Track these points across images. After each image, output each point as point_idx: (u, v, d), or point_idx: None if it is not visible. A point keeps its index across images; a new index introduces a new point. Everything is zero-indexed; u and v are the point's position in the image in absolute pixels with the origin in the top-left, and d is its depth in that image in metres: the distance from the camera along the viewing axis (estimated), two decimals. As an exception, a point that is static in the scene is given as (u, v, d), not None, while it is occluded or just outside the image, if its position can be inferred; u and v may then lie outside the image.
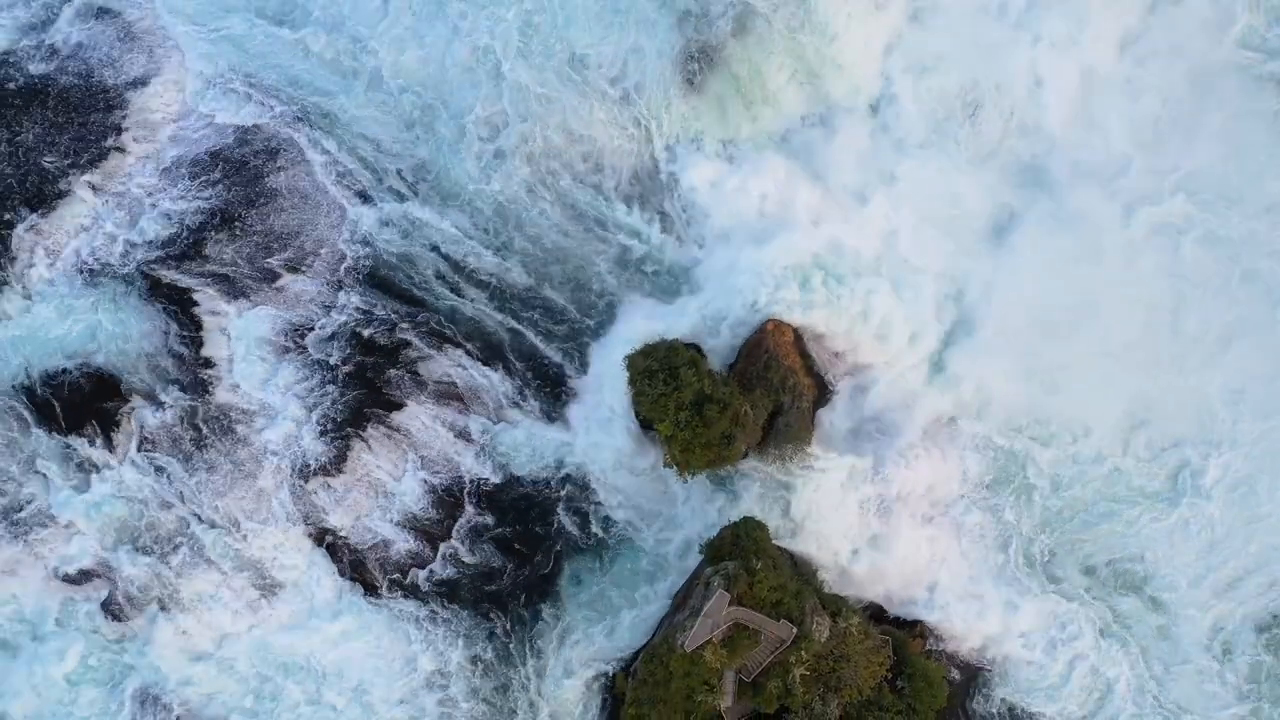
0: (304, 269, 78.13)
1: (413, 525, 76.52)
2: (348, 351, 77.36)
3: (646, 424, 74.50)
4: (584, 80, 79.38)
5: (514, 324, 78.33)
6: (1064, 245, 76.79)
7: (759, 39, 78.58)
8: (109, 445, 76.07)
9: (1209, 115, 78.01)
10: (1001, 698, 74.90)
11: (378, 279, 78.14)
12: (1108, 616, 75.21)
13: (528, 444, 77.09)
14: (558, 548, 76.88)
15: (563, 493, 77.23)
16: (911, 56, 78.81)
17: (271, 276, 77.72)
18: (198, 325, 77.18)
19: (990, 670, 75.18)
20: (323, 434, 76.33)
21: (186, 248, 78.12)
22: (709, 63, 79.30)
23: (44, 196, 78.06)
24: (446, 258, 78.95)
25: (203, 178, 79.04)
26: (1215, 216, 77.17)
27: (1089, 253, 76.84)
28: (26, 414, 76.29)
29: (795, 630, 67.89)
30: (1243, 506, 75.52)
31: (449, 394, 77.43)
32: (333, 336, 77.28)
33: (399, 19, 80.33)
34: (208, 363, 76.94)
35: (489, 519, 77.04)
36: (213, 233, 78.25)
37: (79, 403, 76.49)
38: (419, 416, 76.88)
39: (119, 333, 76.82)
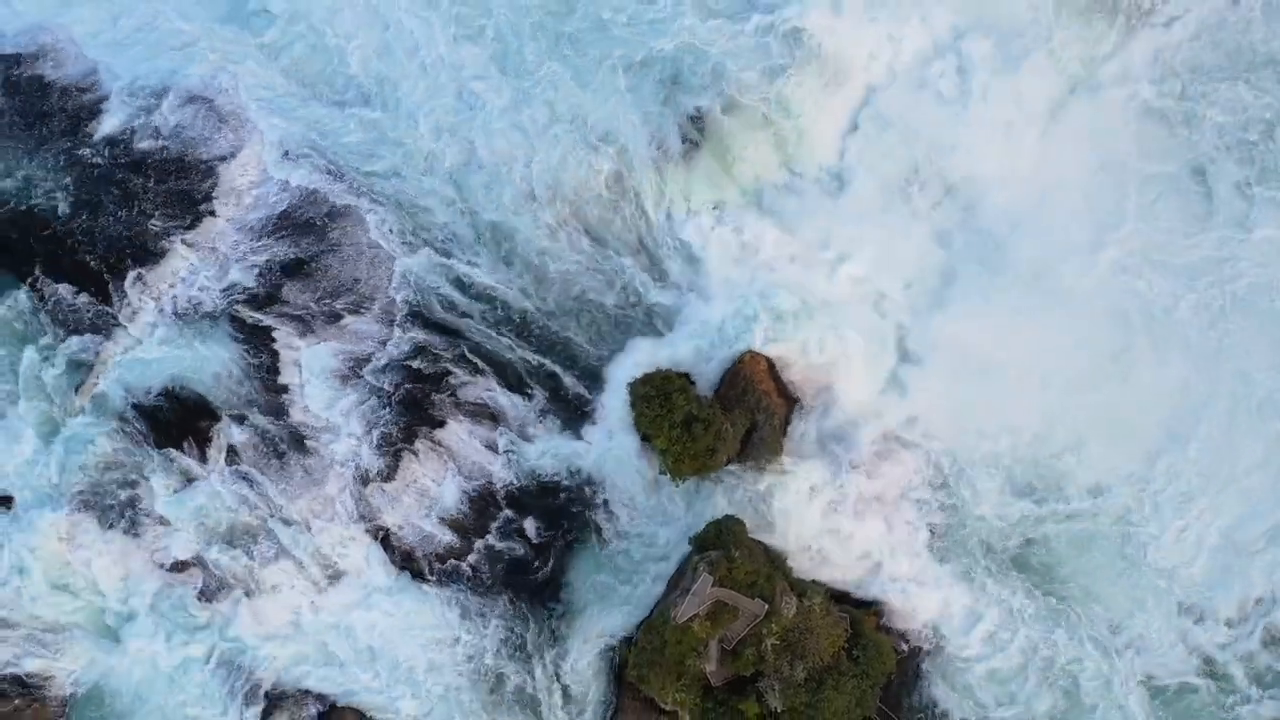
0: (362, 311, 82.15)
1: (452, 523, 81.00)
2: (399, 379, 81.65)
3: (646, 438, 79.56)
4: (596, 155, 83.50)
5: (537, 356, 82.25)
6: (1002, 293, 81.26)
7: (740, 118, 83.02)
8: (203, 457, 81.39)
9: (1135, 180, 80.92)
10: (941, 668, 78.66)
11: (424, 319, 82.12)
12: (1040, 607, 78.51)
13: (548, 455, 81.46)
14: (573, 541, 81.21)
15: (577, 495, 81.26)
16: (867, 131, 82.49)
17: (336, 317, 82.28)
18: (275, 357, 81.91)
19: (932, 644, 79.04)
20: (378, 447, 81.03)
21: (266, 293, 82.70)
22: (700, 137, 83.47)
23: (150, 252, 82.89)
24: (482, 299, 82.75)
25: (279, 235, 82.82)
26: (1138, 270, 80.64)
27: (1026, 297, 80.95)
28: (137, 431, 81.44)
29: (767, 607, 72.66)
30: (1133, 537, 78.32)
31: (483, 414, 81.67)
32: (386, 367, 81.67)
33: (439, 107, 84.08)
34: (283, 388, 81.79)
35: (515, 518, 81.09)
36: (287, 281, 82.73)
37: (178, 421, 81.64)
38: (457, 433, 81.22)
39: (210, 364, 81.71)
